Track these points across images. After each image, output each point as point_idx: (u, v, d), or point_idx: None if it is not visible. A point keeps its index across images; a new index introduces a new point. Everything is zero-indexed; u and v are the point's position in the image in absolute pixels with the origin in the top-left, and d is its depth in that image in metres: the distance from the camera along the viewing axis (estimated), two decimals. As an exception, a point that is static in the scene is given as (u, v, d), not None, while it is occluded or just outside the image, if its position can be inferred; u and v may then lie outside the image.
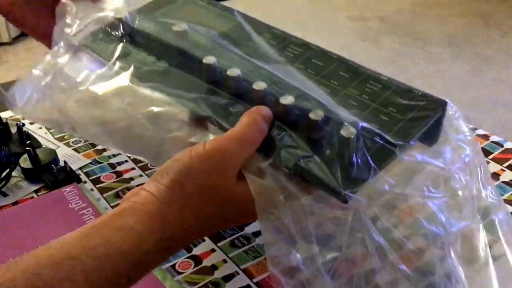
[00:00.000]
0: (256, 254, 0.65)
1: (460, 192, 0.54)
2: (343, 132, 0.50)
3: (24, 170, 0.79)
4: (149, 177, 0.79)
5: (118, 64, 0.62)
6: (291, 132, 0.53)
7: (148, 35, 0.65)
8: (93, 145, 0.87)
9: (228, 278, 0.62)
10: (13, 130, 0.85)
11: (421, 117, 0.54)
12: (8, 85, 0.70)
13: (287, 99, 0.53)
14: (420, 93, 0.56)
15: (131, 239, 0.46)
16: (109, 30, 0.66)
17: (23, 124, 0.85)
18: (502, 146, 0.84)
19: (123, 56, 0.63)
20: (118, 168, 0.81)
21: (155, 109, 0.58)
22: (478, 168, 0.56)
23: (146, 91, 0.60)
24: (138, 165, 0.82)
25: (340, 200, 0.48)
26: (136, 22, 0.66)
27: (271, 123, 0.53)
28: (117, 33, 0.66)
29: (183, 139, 0.56)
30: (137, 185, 0.76)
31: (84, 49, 0.66)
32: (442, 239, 0.52)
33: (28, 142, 0.79)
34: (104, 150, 0.85)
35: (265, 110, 0.53)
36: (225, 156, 0.49)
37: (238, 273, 0.63)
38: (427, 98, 0.55)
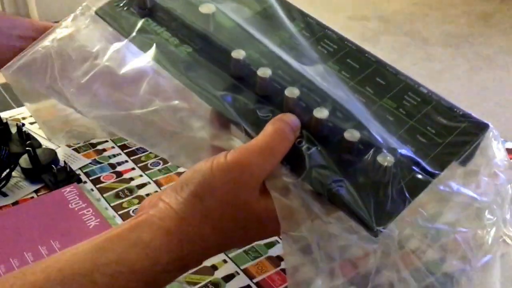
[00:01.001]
0: (256, 254, 0.65)
1: (489, 227, 0.52)
2: (380, 160, 0.47)
3: (24, 170, 0.79)
4: (149, 177, 0.79)
5: (138, 40, 0.58)
6: (322, 148, 0.49)
7: (172, 13, 0.60)
8: (93, 145, 0.86)
9: (228, 278, 0.62)
10: (13, 130, 0.85)
11: (461, 142, 0.50)
12: (8, 85, 0.69)
13: (322, 113, 0.49)
14: (461, 113, 0.52)
15: (146, 257, 0.44)
16: (130, 2, 0.61)
17: (23, 124, 0.85)
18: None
19: (144, 32, 0.59)
20: (118, 168, 0.81)
21: (176, 101, 0.55)
22: (509, 198, 0.53)
23: (167, 79, 0.55)
24: (138, 165, 0.82)
25: (372, 235, 0.45)
26: None
27: (300, 134, 0.50)
28: (138, 7, 0.61)
29: (205, 141, 0.53)
30: (137, 186, 0.77)
31: (101, 20, 0.61)
32: (467, 273, 0.51)
33: (28, 142, 0.79)
34: (104, 150, 0.85)
35: (292, 118, 0.49)
36: (248, 169, 0.46)
37: (238, 273, 0.63)
38: (469, 120, 0.51)
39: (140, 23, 0.60)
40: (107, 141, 0.87)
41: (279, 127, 0.48)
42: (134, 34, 0.59)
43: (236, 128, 0.52)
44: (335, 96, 0.52)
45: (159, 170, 0.80)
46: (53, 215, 0.70)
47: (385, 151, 0.48)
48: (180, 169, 0.80)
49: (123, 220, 0.71)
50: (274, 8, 0.61)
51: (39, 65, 0.63)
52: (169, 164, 0.81)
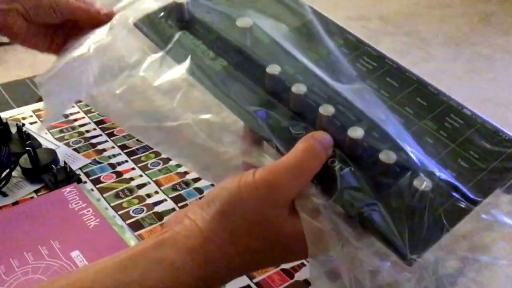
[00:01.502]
0: (256, 254, 0.65)
1: None
2: (416, 184, 0.44)
3: (24, 170, 0.79)
4: (149, 177, 0.79)
5: (174, 53, 0.57)
6: (355, 169, 0.46)
7: (210, 27, 0.59)
8: (93, 145, 0.86)
9: (228, 278, 0.62)
10: (13, 130, 0.85)
11: (506, 169, 0.47)
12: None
13: (357, 132, 0.46)
14: (507, 138, 0.49)
15: (170, 276, 0.43)
16: (167, 16, 0.61)
17: (23, 124, 0.85)
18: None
19: (180, 45, 0.58)
20: (118, 168, 0.81)
21: (208, 115, 0.54)
22: None
23: (201, 92, 0.55)
24: (138, 165, 0.82)
25: (406, 264, 0.43)
26: (197, 9, 0.61)
27: (333, 153, 0.47)
28: (175, 20, 0.60)
29: (236, 156, 0.52)
30: (137, 186, 0.77)
31: (138, 31, 0.61)
32: None
33: (28, 142, 0.79)
34: (104, 150, 0.85)
35: (325, 136, 0.47)
36: (276, 187, 0.44)
37: (238, 273, 0.63)
38: None
39: (177, 36, 0.59)
40: (107, 141, 0.87)
41: (311, 145, 0.47)
42: (170, 46, 0.58)
43: (268, 145, 0.51)
44: (371, 115, 0.50)
45: (159, 170, 0.80)
46: (53, 215, 0.70)
47: (422, 174, 0.45)
48: (181, 169, 0.80)
49: (123, 220, 0.71)
50: (312, 24, 0.60)
51: (76, 72, 0.63)
52: (169, 164, 0.81)
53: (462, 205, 0.45)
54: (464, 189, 0.45)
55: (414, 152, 0.47)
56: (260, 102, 0.53)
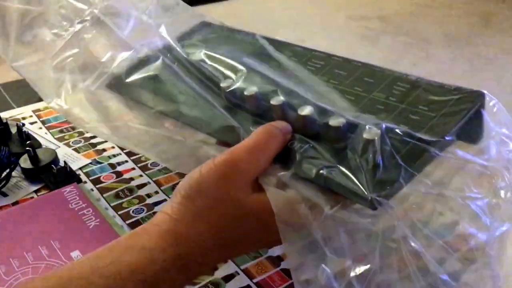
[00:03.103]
0: (256, 254, 0.65)
1: (502, 193, 0.49)
2: (366, 135, 0.47)
3: (24, 170, 0.79)
4: (149, 177, 0.79)
5: (146, 49, 0.61)
6: (315, 144, 0.50)
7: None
8: (93, 145, 0.87)
9: (228, 278, 0.62)
10: (13, 130, 0.85)
11: (456, 112, 0.49)
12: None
13: (306, 110, 0.51)
14: (453, 88, 0.52)
15: (142, 257, 0.45)
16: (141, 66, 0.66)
17: (23, 124, 0.85)
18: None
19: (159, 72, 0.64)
20: (118, 168, 0.81)
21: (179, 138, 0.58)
22: None
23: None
24: (138, 165, 0.82)
25: (368, 206, 0.44)
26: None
27: (291, 137, 0.51)
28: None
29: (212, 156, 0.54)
30: (137, 186, 0.77)
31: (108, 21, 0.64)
32: (485, 244, 0.49)
33: (28, 142, 0.79)
34: (104, 150, 0.85)
35: (281, 123, 0.51)
36: (235, 166, 0.47)
37: (238, 273, 0.63)
38: (461, 91, 0.51)
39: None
40: (107, 141, 0.87)
41: (266, 127, 0.50)
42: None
43: None
44: (321, 98, 0.54)
45: (159, 170, 0.80)
46: (53, 215, 0.70)
47: (369, 126, 0.48)
48: (180, 169, 0.80)
49: (123, 220, 0.71)
50: (263, 47, 0.64)
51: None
52: (169, 164, 0.82)
53: (419, 147, 0.47)
54: (418, 134, 0.47)
55: (364, 118, 0.50)
56: (221, 113, 0.57)
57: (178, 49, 0.65)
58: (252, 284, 0.61)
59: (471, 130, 0.49)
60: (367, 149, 0.47)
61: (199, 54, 0.64)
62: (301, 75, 0.59)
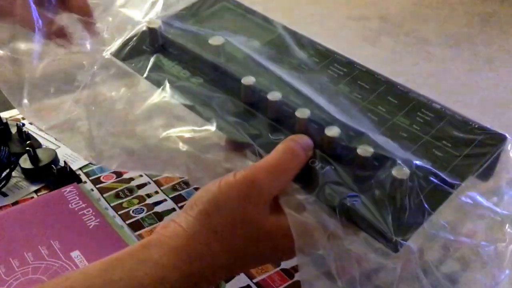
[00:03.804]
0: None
1: (509, 240, 0.50)
2: (395, 173, 0.46)
3: (24, 170, 0.79)
4: (149, 177, 0.79)
5: (151, 77, 0.59)
6: (336, 166, 0.49)
7: (183, 47, 0.62)
8: (93, 145, 0.86)
9: (228, 278, 0.62)
10: (13, 130, 0.85)
11: (479, 154, 0.49)
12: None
13: (333, 131, 0.49)
14: (477, 126, 0.52)
15: (155, 273, 0.44)
16: (141, 41, 0.63)
17: (23, 124, 0.85)
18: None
19: (156, 69, 0.60)
20: (118, 168, 0.81)
21: (188, 134, 0.55)
22: None
23: (180, 110, 0.57)
24: (138, 165, 0.82)
25: (391, 248, 0.44)
26: (170, 32, 0.63)
27: (312, 153, 0.49)
28: (149, 44, 0.63)
29: (219, 163, 0.53)
30: (137, 186, 0.77)
31: (115, 63, 0.63)
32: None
33: (28, 142, 0.79)
34: (104, 150, 0.85)
35: (303, 138, 0.50)
36: (256, 184, 0.46)
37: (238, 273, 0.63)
38: (485, 132, 0.51)
39: (152, 60, 0.61)
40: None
41: (290, 146, 0.49)
42: (147, 71, 0.60)
43: (250, 153, 0.52)
44: (346, 116, 0.52)
45: (159, 170, 0.80)
46: (53, 215, 0.70)
47: (400, 162, 0.47)
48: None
49: (123, 220, 0.71)
50: (283, 38, 0.62)
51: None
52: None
53: (442, 189, 0.47)
54: (442, 175, 0.47)
55: (389, 144, 0.49)
56: (238, 113, 0.55)
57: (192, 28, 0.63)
58: (252, 284, 0.61)
59: (487, 170, 0.50)
60: (395, 187, 0.46)
61: (219, 38, 0.60)
62: (324, 82, 0.57)
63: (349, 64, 0.59)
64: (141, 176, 0.79)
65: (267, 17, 0.65)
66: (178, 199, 0.74)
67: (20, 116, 0.94)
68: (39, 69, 0.67)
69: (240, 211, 0.46)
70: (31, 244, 0.65)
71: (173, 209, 0.73)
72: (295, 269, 0.63)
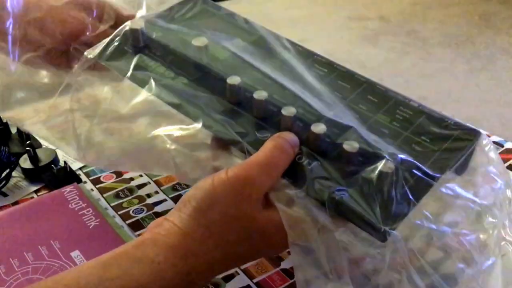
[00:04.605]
0: (256, 254, 0.65)
1: (491, 230, 0.53)
2: (381, 167, 0.48)
3: (24, 170, 0.79)
4: (149, 177, 0.79)
5: (135, 77, 0.60)
6: (323, 162, 0.51)
7: (166, 48, 0.63)
8: (93, 145, 0.86)
9: (228, 278, 0.62)
10: (13, 130, 0.85)
11: (457, 148, 0.52)
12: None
13: (319, 127, 0.51)
14: (453, 122, 0.54)
15: (151, 271, 0.44)
16: (124, 42, 0.63)
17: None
18: (503, 146, 0.84)
19: (139, 69, 0.61)
20: (118, 168, 0.81)
21: (176, 133, 0.56)
22: (507, 202, 0.55)
23: (166, 109, 0.58)
24: (138, 165, 0.82)
25: (379, 238, 0.46)
26: (154, 33, 0.64)
27: (299, 150, 0.51)
28: (132, 45, 0.63)
29: (207, 161, 0.54)
30: (137, 186, 0.77)
31: (99, 64, 0.63)
32: (472, 277, 0.51)
33: (28, 142, 0.79)
34: (104, 150, 0.85)
35: (290, 135, 0.51)
36: (248, 182, 0.47)
37: (238, 273, 0.63)
38: (461, 128, 0.54)
39: (135, 60, 0.62)
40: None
41: (278, 142, 0.50)
42: (130, 71, 0.61)
43: (236, 150, 0.54)
44: (331, 113, 0.54)
45: (159, 170, 0.80)
46: (53, 215, 0.70)
47: (387, 156, 0.49)
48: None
49: (123, 220, 0.71)
50: (264, 39, 0.63)
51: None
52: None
53: (424, 181, 0.49)
54: (424, 167, 0.50)
55: (374, 140, 0.51)
56: (224, 111, 0.56)
57: (172, 26, 0.64)
58: (252, 284, 0.61)
59: (462, 165, 0.52)
60: (382, 180, 0.48)
61: (202, 39, 0.61)
62: (309, 81, 0.58)
63: (329, 65, 0.61)
64: (141, 176, 0.79)
65: (247, 19, 0.67)
66: (178, 199, 0.74)
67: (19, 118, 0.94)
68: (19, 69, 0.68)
69: (233, 208, 0.47)
70: (31, 244, 0.65)
71: (173, 209, 0.73)
72: (295, 269, 0.63)
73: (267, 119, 0.55)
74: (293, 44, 0.63)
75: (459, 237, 0.51)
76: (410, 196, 0.48)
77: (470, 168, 0.53)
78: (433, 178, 0.49)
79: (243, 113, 0.56)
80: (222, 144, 0.55)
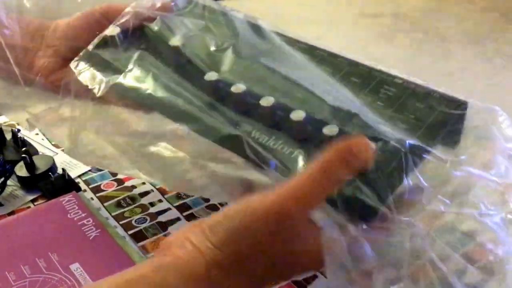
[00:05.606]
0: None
1: None
2: (389, 154, 0.50)
3: (20, 179, 0.79)
4: (152, 185, 0.79)
5: (134, 71, 0.64)
6: (306, 150, 0.53)
7: (144, 51, 0.66)
8: (93, 152, 0.86)
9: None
10: (8, 136, 0.85)
11: (441, 121, 0.53)
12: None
13: (298, 114, 0.53)
14: (437, 96, 0.55)
15: None
16: (102, 48, 0.67)
17: (19, 130, 0.86)
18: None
19: (139, 62, 0.65)
20: (120, 176, 0.81)
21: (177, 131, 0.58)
22: None
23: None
24: (141, 172, 0.81)
25: (371, 214, 0.47)
26: (128, 38, 0.68)
27: (279, 138, 0.53)
28: (111, 51, 0.67)
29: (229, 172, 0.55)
30: (139, 194, 0.77)
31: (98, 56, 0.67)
32: (503, 258, 0.50)
33: (24, 149, 0.79)
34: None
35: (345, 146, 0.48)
36: (287, 218, 0.45)
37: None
38: (446, 100, 0.55)
39: (113, 66, 0.66)
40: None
41: (320, 165, 0.47)
42: (110, 77, 0.65)
43: (236, 150, 0.56)
44: (315, 98, 0.56)
45: (162, 177, 0.80)
46: (51, 225, 0.70)
47: (393, 144, 0.51)
48: (185, 176, 0.80)
49: (126, 230, 0.70)
50: (242, 29, 0.66)
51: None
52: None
53: (417, 154, 0.50)
54: (413, 141, 0.51)
55: (366, 117, 0.53)
56: (202, 107, 0.59)
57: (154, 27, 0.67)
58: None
59: (453, 137, 0.53)
60: (390, 163, 0.50)
61: (180, 38, 0.65)
62: (289, 68, 0.59)
63: (310, 49, 0.62)
64: (143, 184, 0.79)
65: (226, 12, 0.69)
66: (183, 208, 0.74)
67: (15, 122, 0.94)
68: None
69: (267, 245, 0.45)
70: (28, 257, 0.65)
71: (178, 219, 0.72)
72: (307, 280, 0.63)
73: (246, 112, 0.57)
74: (272, 32, 0.65)
75: (482, 218, 0.51)
76: (398, 172, 0.49)
77: (488, 148, 0.53)
78: (422, 150, 0.50)
79: (220, 107, 0.58)
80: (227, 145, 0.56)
